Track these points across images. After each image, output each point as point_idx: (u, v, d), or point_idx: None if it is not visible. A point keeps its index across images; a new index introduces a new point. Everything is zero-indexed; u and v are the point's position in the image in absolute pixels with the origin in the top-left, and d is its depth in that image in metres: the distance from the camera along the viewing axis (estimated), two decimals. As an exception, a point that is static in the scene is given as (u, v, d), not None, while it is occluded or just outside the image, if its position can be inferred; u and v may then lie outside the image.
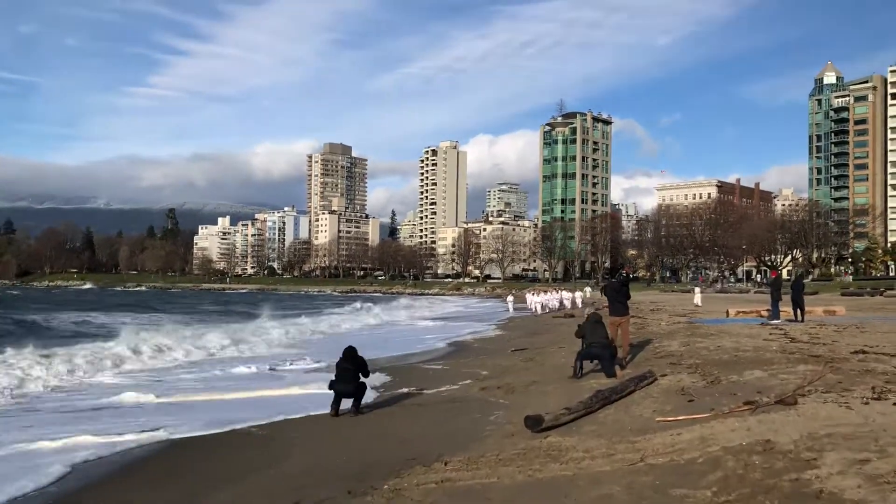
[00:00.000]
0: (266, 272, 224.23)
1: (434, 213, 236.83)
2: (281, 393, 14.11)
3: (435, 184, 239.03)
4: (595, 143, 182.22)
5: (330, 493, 6.53)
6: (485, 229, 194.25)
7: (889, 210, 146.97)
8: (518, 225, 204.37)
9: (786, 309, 26.21)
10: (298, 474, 7.58)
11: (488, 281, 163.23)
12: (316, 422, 10.71)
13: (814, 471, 5.16)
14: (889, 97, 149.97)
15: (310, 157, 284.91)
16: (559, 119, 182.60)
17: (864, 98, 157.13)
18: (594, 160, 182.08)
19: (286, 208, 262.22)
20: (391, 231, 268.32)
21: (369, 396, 13.12)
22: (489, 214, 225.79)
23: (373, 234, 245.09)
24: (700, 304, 44.58)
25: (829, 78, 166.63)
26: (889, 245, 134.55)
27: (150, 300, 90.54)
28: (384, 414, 10.94)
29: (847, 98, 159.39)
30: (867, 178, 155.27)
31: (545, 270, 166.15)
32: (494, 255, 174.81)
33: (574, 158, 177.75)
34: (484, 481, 6.31)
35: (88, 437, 9.59)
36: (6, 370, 15.56)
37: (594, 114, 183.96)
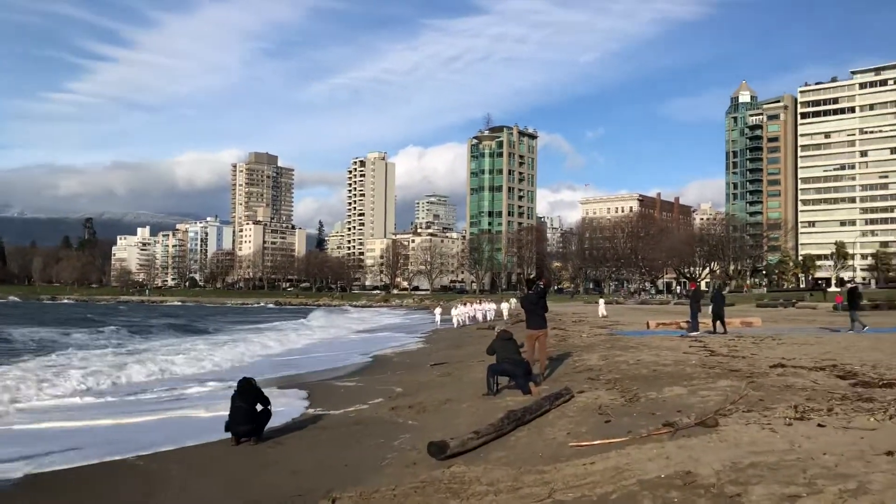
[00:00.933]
0: (187, 284, 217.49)
1: (362, 225, 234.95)
2: (189, 414, 12.96)
3: (363, 195, 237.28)
4: (521, 156, 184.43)
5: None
6: (413, 241, 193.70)
7: (800, 224, 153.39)
8: (446, 237, 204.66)
9: (705, 321, 26.36)
10: (166, 516, 6.61)
11: (416, 292, 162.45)
12: (210, 451, 9.67)
13: (738, 509, 4.57)
14: (799, 116, 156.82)
15: (234, 166, 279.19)
16: (486, 132, 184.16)
17: (776, 117, 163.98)
18: (520, 173, 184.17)
19: (209, 218, 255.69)
20: (318, 242, 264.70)
21: (283, 418, 12.17)
22: (418, 226, 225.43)
23: (299, 246, 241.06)
24: (605, 314, 45.00)
25: (744, 97, 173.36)
26: (800, 258, 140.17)
27: (90, 314, 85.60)
28: (286, 440, 9.99)
29: (761, 116, 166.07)
30: (780, 194, 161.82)
31: (473, 282, 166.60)
32: (423, 267, 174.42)
33: (501, 171, 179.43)
34: (373, 523, 5.51)
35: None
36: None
37: (520, 128, 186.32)
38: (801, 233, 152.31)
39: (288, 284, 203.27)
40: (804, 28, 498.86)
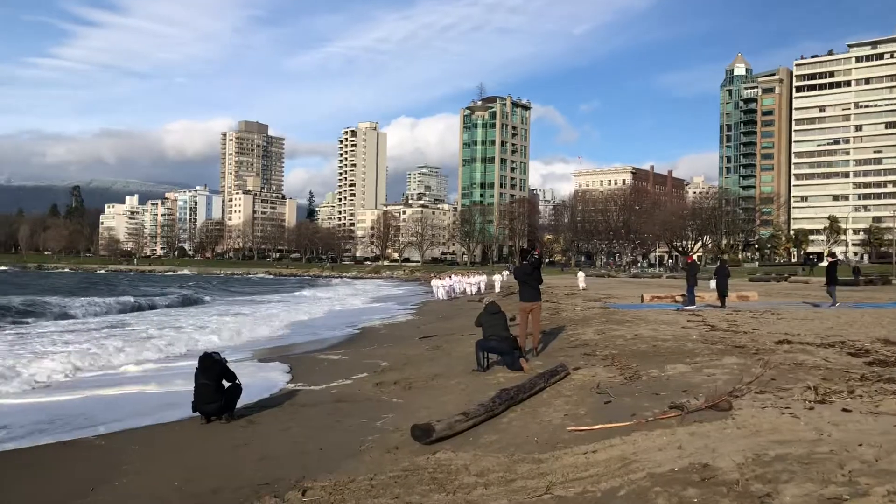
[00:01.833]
0: (176, 253, 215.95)
1: (353, 196, 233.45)
2: (164, 390, 12.21)
3: (354, 165, 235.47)
4: (514, 127, 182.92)
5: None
6: (404, 212, 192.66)
7: (792, 199, 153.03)
8: (438, 208, 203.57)
9: (700, 294, 25.79)
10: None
11: (407, 264, 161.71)
12: (177, 430, 8.98)
13: (770, 513, 3.91)
14: (794, 90, 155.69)
15: (224, 134, 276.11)
16: (479, 103, 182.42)
17: (771, 90, 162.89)
18: (513, 145, 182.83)
19: (198, 187, 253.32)
20: (309, 213, 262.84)
21: (262, 393, 11.48)
22: (409, 197, 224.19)
23: (290, 216, 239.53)
24: (585, 286, 44.33)
25: (739, 69, 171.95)
26: (792, 233, 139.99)
27: (105, 281, 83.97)
28: (260, 418, 9.29)
29: (756, 89, 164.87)
30: (773, 168, 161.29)
31: (464, 254, 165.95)
32: (414, 239, 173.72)
33: (493, 143, 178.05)
34: (346, 520, 4.83)
35: None
36: None
37: (514, 99, 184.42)
38: (794, 207, 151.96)
39: (278, 255, 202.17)
40: (801, 1, 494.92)
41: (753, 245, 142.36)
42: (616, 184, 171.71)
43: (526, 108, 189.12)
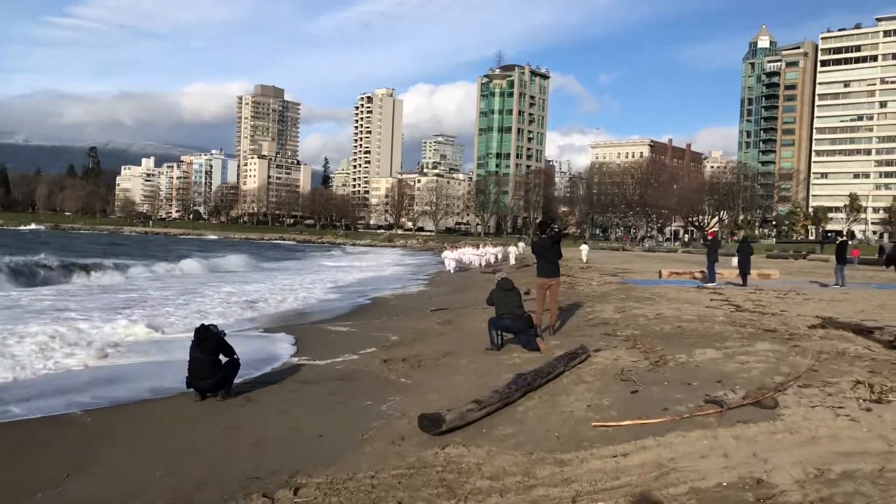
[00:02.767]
0: (191, 216, 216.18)
1: (368, 163, 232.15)
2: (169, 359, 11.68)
3: (370, 132, 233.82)
4: (532, 97, 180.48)
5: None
6: (419, 181, 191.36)
7: (812, 175, 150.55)
8: (453, 178, 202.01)
9: (720, 271, 25.01)
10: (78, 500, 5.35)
11: (421, 233, 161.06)
12: (169, 407, 8.43)
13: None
14: (819, 64, 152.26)
15: (240, 98, 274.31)
16: (497, 71, 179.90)
17: (795, 64, 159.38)
18: (531, 115, 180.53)
19: (214, 151, 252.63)
20: (324, 179, 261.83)
21: (264, 367, 10.95)
22: (424, 166, 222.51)
23: (304, 182, 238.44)
24: (587, 260, 43.73)
25: (763, 42, 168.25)
26: (810, 210, 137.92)
27: (145, 244, 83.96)
28: (259, 396, 8.70)
29: (779, 63, 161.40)
30: (793, 144, 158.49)
31: (478, 225, 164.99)
32: (428, 208, 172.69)
33: (511, 112, 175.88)
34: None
35: None
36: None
37: (532, 67, 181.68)
38: (813, 184, 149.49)
39: (292, 221, 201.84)
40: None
41: (771, 222, 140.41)
42: (633, 156, 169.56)
43: (545, 77, 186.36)
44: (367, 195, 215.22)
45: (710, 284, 22.40)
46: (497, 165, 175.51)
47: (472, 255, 48.11)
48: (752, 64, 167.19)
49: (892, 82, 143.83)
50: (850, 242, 31.73)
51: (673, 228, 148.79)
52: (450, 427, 6.18)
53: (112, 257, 42.93)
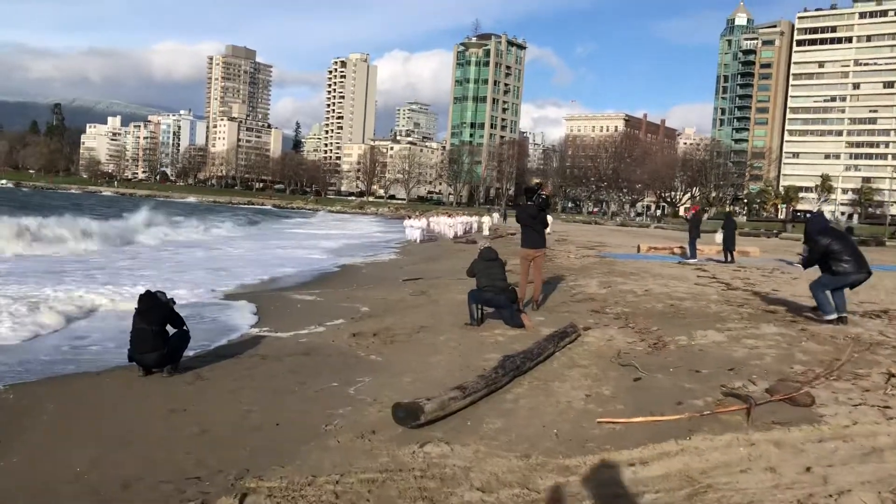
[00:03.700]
0: (158, 178, 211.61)
1: (340, 129, 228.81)
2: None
3: (343, 97, 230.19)
4: (508, 67, 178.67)
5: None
6: (392, 148, 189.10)
7: (784, 155, 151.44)
8: (426, 146, 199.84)
9: (700, 247, 24.39)
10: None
11: (392, 201, 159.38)
12: (106, 382, 7.40)
13: None
14: (794, 43, 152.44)
15: (210, 58, 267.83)
16: (474, 40, 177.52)
17: (771, 42, 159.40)
18: (506, 85, 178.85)
19: (182, 112, 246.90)
20: (295, 144, 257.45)
21: (220, 338, 9.97)
22: (397, 133, 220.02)
23: (275, 146, 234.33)
24: (551, 231, 42.65)
25: (741, 19, 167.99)
26: (781, 189, 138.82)
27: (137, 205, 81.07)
28: (211, 373, 7.70)
29: (756, 41, 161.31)
30: (767, 122, 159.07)
31: (450, 194, 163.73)
32: (400, 176, 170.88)
33: (486, 82, 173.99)
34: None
35: None
36: None
37: (509, 37, 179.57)
38: (785, 163, 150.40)
39: (261, 185, 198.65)
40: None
41: (742, 199, 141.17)
42: (608, 130, 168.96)
43: (521, 47, 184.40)
44: (338, 161, 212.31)
45: (691, 260, 21.77)
46: (471, 135, 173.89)
47: (446, 224, 46.92)
48: (729, 41, 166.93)
49: (866, 64, 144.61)
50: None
51: (645, 203, 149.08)
52: (429, 419, 5.29)
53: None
